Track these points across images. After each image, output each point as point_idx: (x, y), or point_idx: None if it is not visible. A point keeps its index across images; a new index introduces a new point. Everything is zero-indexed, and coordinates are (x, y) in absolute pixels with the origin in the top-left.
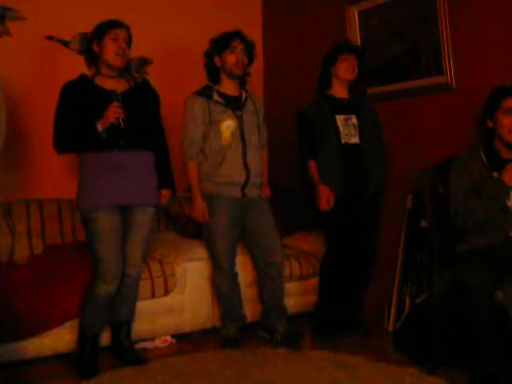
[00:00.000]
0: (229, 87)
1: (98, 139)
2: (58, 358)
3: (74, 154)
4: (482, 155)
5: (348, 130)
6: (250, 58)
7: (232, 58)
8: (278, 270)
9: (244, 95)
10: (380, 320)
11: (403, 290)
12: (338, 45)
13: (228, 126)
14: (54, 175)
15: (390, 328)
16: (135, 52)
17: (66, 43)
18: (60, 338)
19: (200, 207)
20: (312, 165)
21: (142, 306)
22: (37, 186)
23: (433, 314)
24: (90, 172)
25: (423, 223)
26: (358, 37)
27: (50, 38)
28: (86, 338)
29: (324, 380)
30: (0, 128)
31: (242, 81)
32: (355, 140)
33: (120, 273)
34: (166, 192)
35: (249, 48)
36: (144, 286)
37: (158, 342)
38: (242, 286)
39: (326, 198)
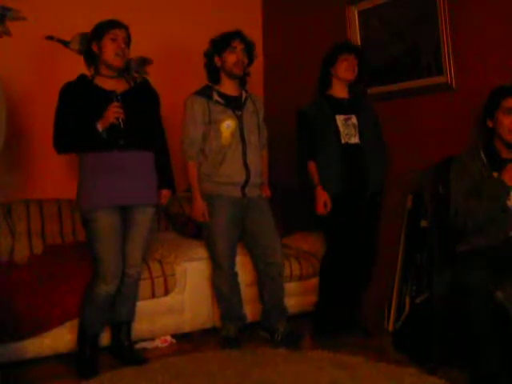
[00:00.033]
0: (229, 87)
1: (98, 139)
2: (58, 358)
3: (74, 154)
4: (482, 155)
5: (348, 129)
6: (250, 58)
7: (232, 57)
8: (278, 269)
9: (244, 95)
10: (380, 320)
11: (403, 290)
12: (337, 45)
13: (228, 125)
14: (53, 175)
15: (390, 328)
16: (135, 52)
17: (65, 43)
18: (60, 338)
19: (200, 207)
20: (312, 166)
21: (142, 306)
22: (37, 186)
23: (433, 314)
24: (90, 172)
25: (423, 223)
26: (358, 37)
27: (50, 38)
28: (85, 337)
29: (324, 380)
30: (0, 128)
31: (241, 81)
32: (355, 140)
33: (120, 273)
34: (165, 192)
35: (249, 48)
36: (144, 286)
37: (158, 342)
38: (242, 286)
39: (323, 201)
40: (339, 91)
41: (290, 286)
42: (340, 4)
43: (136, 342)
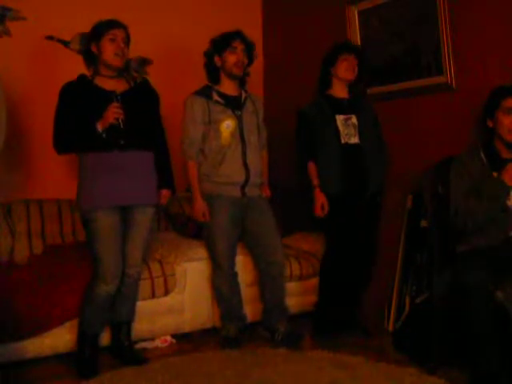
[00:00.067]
0: (228, 87)
1: (98, 139)
2: (58, 358)
3: (74, 154)
4: (482, 155)
5: (348, 129)
6: (250, 58)
7: (232, 58)
8: (279, 269)
9: (243, 95)
10: (380, 320)
11: (403, 290)
12: (337, 45)
13: (228, 125)
14: (54, 175)
15: (390, 328)
16: (135, 52)
17: (66, 43)
18: (60, 338)
19: (200, 207)
20: (311, 166)
21: (142, 306)
22: (37, 186)
23: (433, 314)
24: (90, 172)
25: (423, 223)
26: (358, 37)
27: (50, 38)
28: (85, 337)
29: (324, 380)
30: (0, 128)
31: (241, 81)
32: (355, 140)
33: (120, 273)
34: (165, 192)
35: (249, 48)
36: (144, 286)
37: (158, 342)
38: (243, 286)
39: (320, 203)
40: (339, 91)
41: (290, 286)
42: (340, 4)
43: (136, 342)
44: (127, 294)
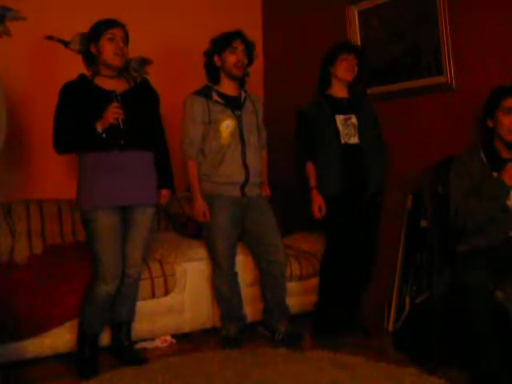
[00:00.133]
0: (228, 87)
1: (98, 139)
2: (58, 358)
3: (73, 154)
4: (482, 155)
5: (348, 129)
6: (250, 58)
7: (232, 58)
8: (280, 268)
9: (243, 95)
10: (380, 320)
11: (403, 290)
12: (337, 45)
13: (227, 125)
14: (54, 175)
15: (390, 328)
16: (135, 52)
17: (66, 43)
18: (60, 338)
19: (201, 207)
20: (310, 167)
21: (142, 306)
22: (37, 186)
23: (433, 314)
24: (90, 172)
25: (423, 223)
26: (358, 37)
27: (50, 38)
28: (85, 337)
29: (324, 380)
30: (0, 128)
31: (241, 81)
32: (355, 140)
33: (120, 273)
34: (165, 192)
35: (249, 48)
36: (144, 286)
37: (158, 342)
38: (243, 286)
39: (317, 205)
40: (339, 91)
41: (290, 286)
42: (340, 4)
43: (136, 342)
44: (127, 293)
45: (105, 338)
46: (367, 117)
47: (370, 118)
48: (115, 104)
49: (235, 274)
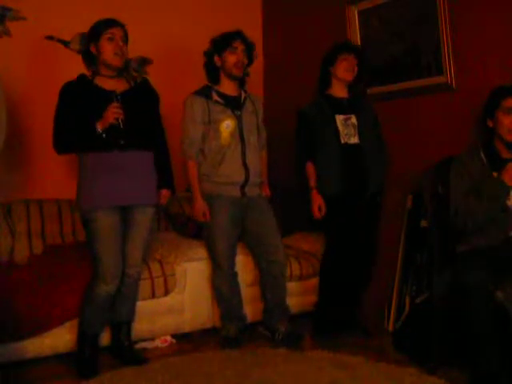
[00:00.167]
0: (228, 87)
1: (98, 139)
2: (58, 358)
3: (73, 154)
4: (482, 155)
5: (348, 129)
6: (250, 58)
7: (232, 58)
8: (281, 268)
9: (243, 95)
10: (380, 320)
11: (403, 290)
12: (337, 45)
13: (227, 125)
14: (53, 175)
15: (390, 328)
16: (135, 52)
17: (66, 43)
18: (60, 338)
19: (201, 207)
20: (309, 167)
21: (142, 306)
22: (37, 186)
23: (433, 314)
24: (90, 172)
25: (423, 223)
26: (358, 37)
27: (50, 37)
28: (85, 337)
29: (324, 380)
30: (0, 128)
31: (241, 81)
32: (355, 140)
33: (120, 273)
34: (165, 192)
35: (249, 48)
36: (144, 286)
37: (158, 342)
38: (243, 286)
39: (317, 205)
40: (339, 91)
41: (290, 286)
42: (340, 4)
43: (136, 342)
44: (127, 293)
45: (105, 338)
46: (367, 117)
47: (370, 118)
48: (115, 104)
49: (235, 274)
